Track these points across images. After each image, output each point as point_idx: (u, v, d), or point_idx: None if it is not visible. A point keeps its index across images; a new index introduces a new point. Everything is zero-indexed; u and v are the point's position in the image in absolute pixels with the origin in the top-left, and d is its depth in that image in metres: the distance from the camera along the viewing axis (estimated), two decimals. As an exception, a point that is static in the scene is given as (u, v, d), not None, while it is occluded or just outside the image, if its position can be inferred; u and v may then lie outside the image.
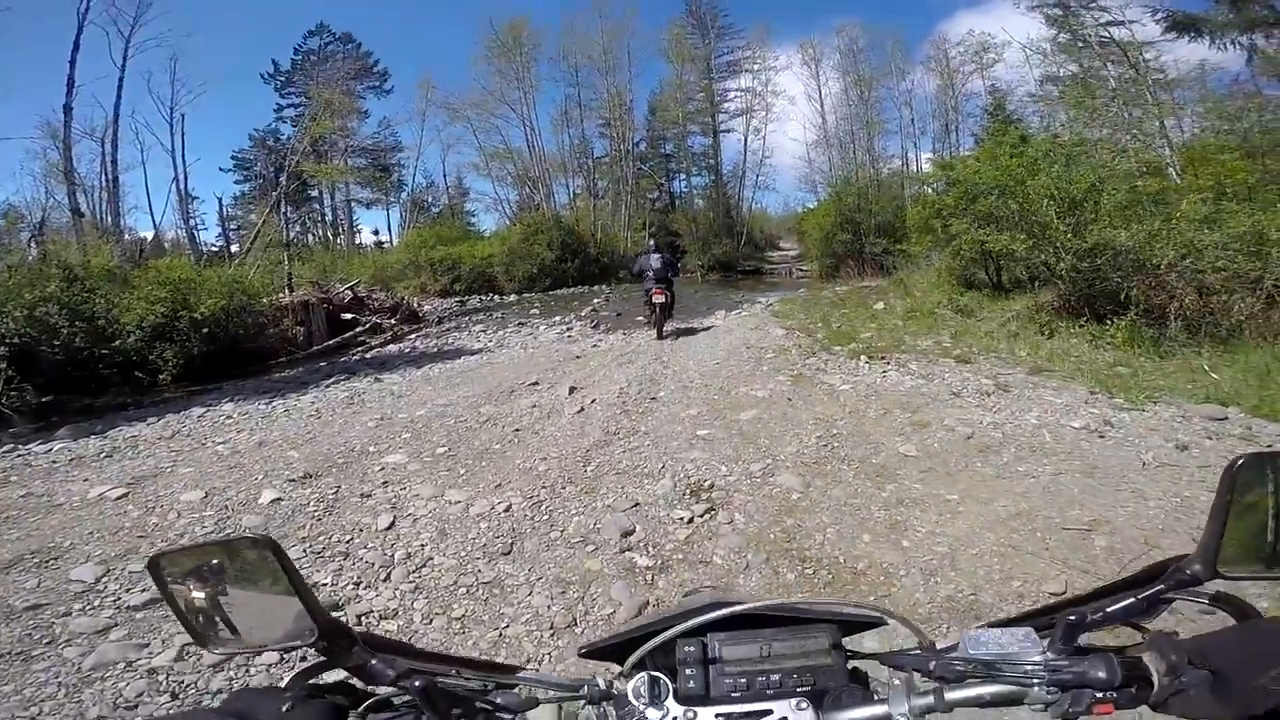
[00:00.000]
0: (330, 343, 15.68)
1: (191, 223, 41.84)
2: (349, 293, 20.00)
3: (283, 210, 21.90)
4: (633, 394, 6.58)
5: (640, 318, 13.58)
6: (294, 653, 2.37)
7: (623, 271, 27.51)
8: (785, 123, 36.87)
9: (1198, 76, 28.74)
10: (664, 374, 7.36)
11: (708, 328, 11.81)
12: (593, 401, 6.49)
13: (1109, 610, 0.67)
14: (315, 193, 40.58)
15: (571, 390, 6.97)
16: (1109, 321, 8.15)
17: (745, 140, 32.86)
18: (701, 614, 0.70)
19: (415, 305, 24.59)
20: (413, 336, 16.86)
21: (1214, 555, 0.65)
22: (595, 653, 0.84)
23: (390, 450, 5.53)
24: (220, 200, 28.85)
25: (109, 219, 26.57)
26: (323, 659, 0.67)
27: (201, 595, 0.68)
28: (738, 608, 0.71)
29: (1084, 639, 0.66)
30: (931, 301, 12.12)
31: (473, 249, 28.09)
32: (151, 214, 33.29)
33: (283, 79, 41.49)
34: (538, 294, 25.31)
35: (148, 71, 31.65)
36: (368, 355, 13.97)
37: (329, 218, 42.30)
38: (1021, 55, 30.96)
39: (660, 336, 11.29)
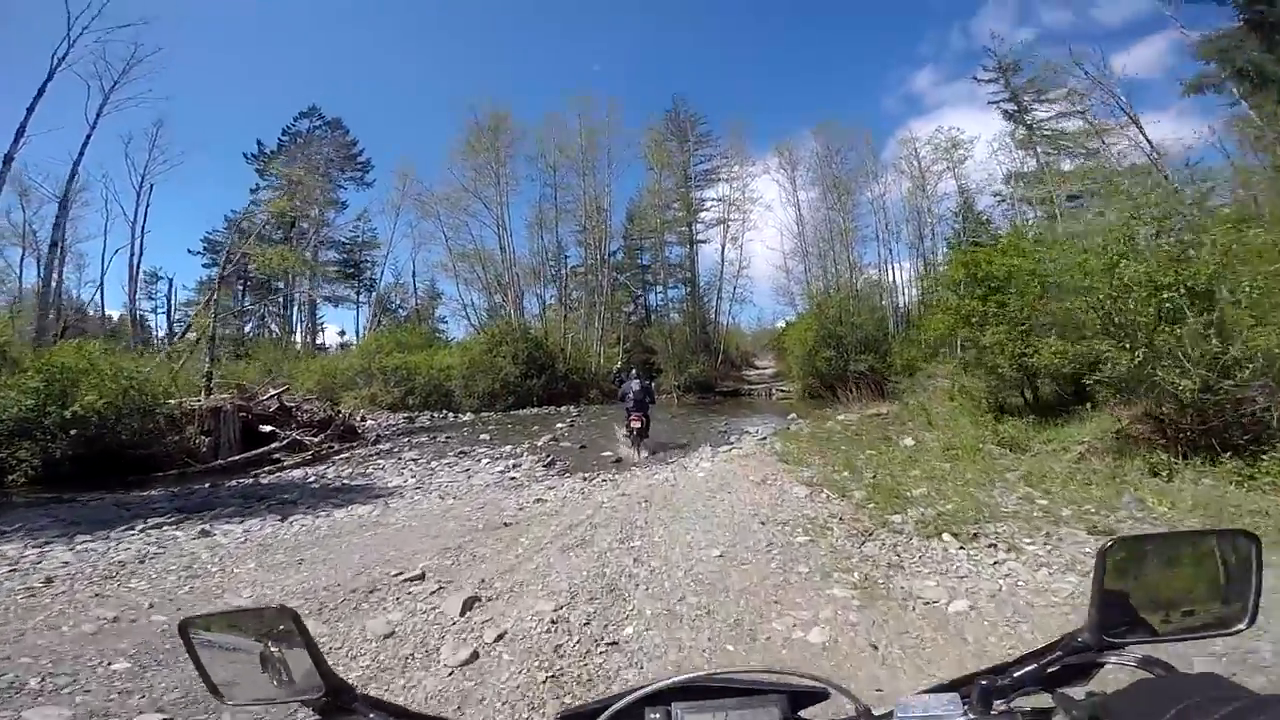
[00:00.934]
0: (238, 458, 13.13)
1: (150, 304, 39.35)
2: (275, 401, 16.99)
3: (214, 298, 19.08)
4: (576, 626, 3.51)
5: (607, 452, 12.09)
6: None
7: (594, 391, 24.92)
8: (762, 230, 36.73)
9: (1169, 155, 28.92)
10: (635, 575, 4.29)
11: (695, 474, 8.88)
12: (499, 638, 3.43)
13: (1015, 675, 0.80)
14: (280, 284, 38.26)
15: (470, 604, 3.91)
16: (1244, 454, 6.03)
17: (723, 250, 31.66)
18: (664, 682, 0.77)
19: (359, 419, 21.52)
20: (338, 459, 13.74)
21: (1098, 625, 0.78)
22: (572, 717, 0.85)
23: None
24: (171, 282, 26.42)
25: (51, 286, 23.79)
26: (328, 714, 0.78)
27: (223, 654, 0.82)
28: (694, 674, 0.80)
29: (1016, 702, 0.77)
30: (970, 435, 9.46)
31: (431, 358, 25.28)
32: (102, 290, 30.60)
33: (265, 159, 40.02)
34: (497, 413, 22.38)
35: (127, 134, 29.48)
36: (265, 480, 11.19)
37: (294, 314, 39.88)
38: (985, 152, 30.96)
39: (638, 454, 11.47)
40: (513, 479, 9.58)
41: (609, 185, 29.75)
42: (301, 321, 40.09)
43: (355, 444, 16.29)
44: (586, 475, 9.50)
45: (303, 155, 40.69)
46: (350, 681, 0.80)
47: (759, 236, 52.82)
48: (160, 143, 27.33)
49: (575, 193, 29.57)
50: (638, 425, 11.64)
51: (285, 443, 14.70)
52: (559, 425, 16.97)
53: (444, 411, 22.70)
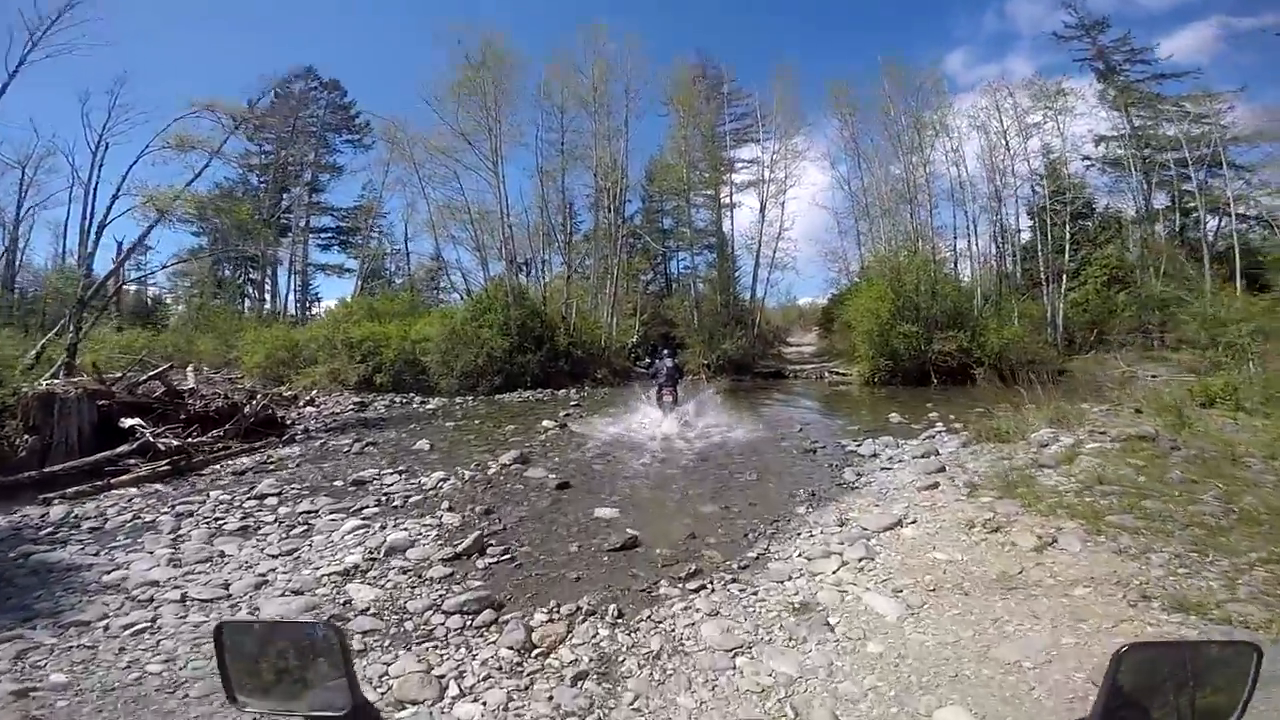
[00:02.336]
0: (73, 464, 8.54)
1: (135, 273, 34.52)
2: (158, 383, 11.83)
3: (86, 253, 13.69)
4: None
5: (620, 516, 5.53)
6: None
7: (602, 370, 19.11)
8: (807, 187, 30.09)
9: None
10: None
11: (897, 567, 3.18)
12: None
13: None
14: (273, 253, 33.14)
15: None
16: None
17: (762, 208, 25.06)
18: None
19: (303, 403, 16.10)
20: (204, 471, 8.76)
21: None
22: None
23: None
24: (120, 245, 20.97)
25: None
26: None
27: (252, 659, 0.80)
28: None
29: None
30: None
31: (406, 328, 19.64)
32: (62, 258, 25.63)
33: (256, 123, 34.57)
34: (478, 398, 16.74)
35: (85, 91, 24.71)
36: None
37: (283, 284, 34.71)
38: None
39: (673, 422, 11.02)
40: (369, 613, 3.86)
41: (625, 130, 23.49)
42: (295, 292, 35.04)
43: (262, 443, 11.00)
44: (593, 608, 3.79)
45: (296, 117, 35.42)
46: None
47: (803, 194, 46.01)
48: (122, 102, 22.54)
49: (586, 138, 23.39)
50: (670, 399, 11.80)
51: (138, 445, 9.41)
52: (546, 424, 11.20)
53: (409, 395, 17.10)
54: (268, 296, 34.52)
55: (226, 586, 4.41)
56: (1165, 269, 21.97)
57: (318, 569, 4.68)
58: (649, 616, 3.68)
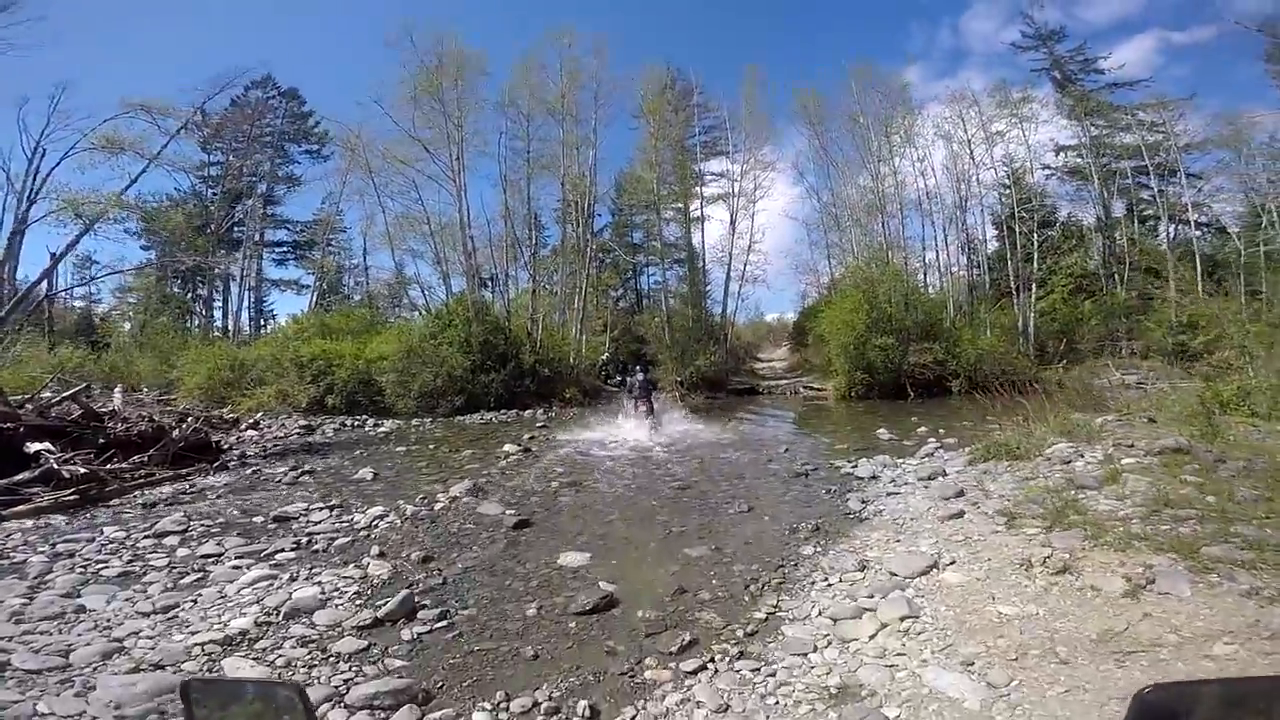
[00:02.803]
0: None
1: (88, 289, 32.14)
2: (72, 404, 10.39)
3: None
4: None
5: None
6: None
7: (571, 390, 17.98)
8: (777, 198, 29.55)
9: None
10: None
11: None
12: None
13: None
14: (224, 269, 31.21)
15: None
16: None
17: (733, 219, 24.28)
18: None
19: (245, 426, 14.64)
20: (113, 502, 7.42)
21: None
22: None
23: None
24: (53, 256, 18.77)
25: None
26: None
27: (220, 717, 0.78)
28: None
29: None
30: None
31: (361, 347, 18.25)
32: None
33: (210, 132, 32.62)
34: (440, 419, 15.48)
35: (22, 97, 22.65)
36: None
37: (233, 300, 32.64)
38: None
39: (651, 432, 11.58)
40: None
41: (594, 138, 22.61)
42: (248, 308, 33.01)
43: (191, 470, 9.71)
44: (555, 704, 2.70)
45: (252, 125, 33.70)
46: None
47: (774, 206, 45.57)
48: (63, 107, 20.62)
49: (553, 147, 22.41)
50: (645, 408, 12.44)
51: (40, 472, 8.15)
52: (507, 448, 10.06)
53: (362, 418, 15.74)
54: (218, 313, 32.44)
55: (67, 653, 3.32)
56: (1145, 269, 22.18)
57: (194, 633, 3.56)
58: (633, 717, 2.65)
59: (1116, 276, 24.47)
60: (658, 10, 65.51)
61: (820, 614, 3.48)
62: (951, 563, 3.89)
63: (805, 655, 3.07)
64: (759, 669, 2.98)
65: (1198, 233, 24.81)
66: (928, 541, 4.35)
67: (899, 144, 22.47)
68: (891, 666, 2.87)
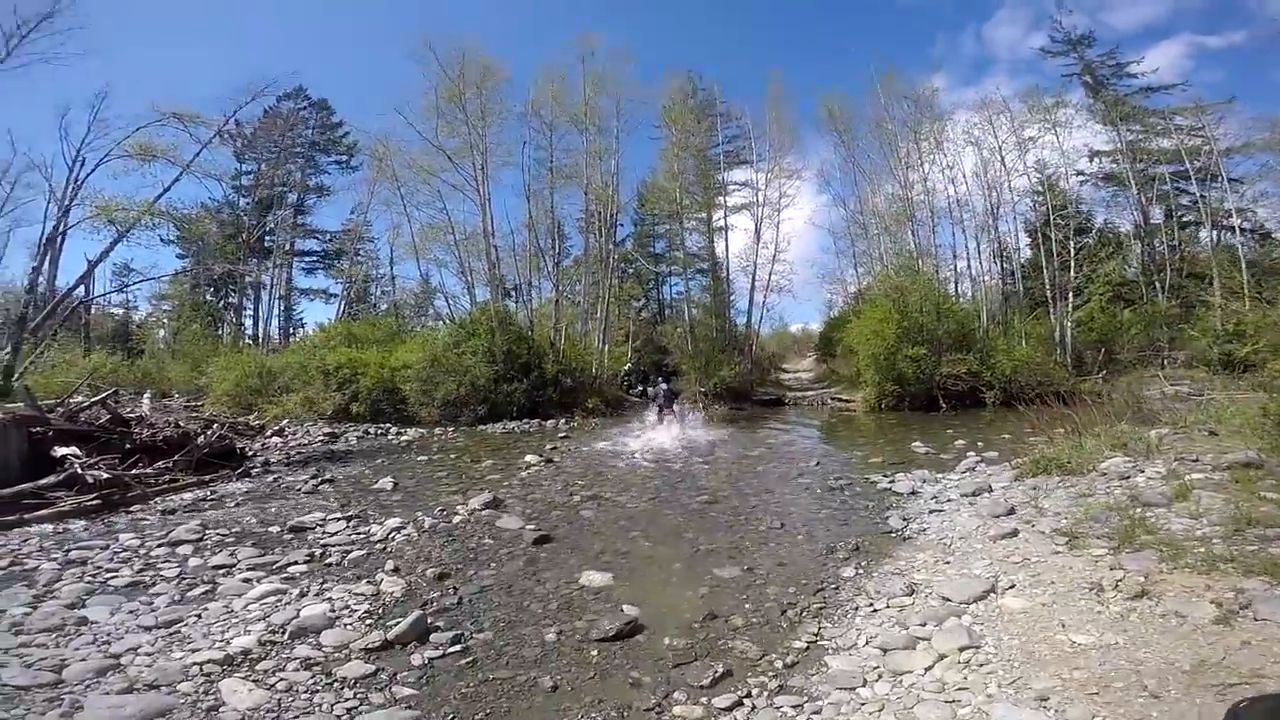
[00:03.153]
0: None
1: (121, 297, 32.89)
2: (99, 410, 10.41)
3: (32, 269, 12.27)
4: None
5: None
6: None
7: (594, 400, 17.76)
8: (802, 206, 29.14)
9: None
10: None
11: None
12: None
13: None
14: (255, 278, 31.83)
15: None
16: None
17: (758, 228, 23.99)
18: None
19: (270, 433, 14.69)
20: (136, 508, 7.48)
21: None
22: None
23: None
24: (89, 263, 19.00)
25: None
26: None
27: None
28: None
29: None
30: None
31: (386, 356, 18.28)
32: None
33: (244, 142, 33.36)
34: (462, 428, 15.37)
35: (65, 105, 23.30)
36: None
37: (264, 308, 33.18)
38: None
39: (671, 430, 12.72)
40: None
41: (616, 147, 22.53)
42: (278, 317, 33.51)
43: (214, 476, 9.71)
44: None
45: (283, 136, 34.41)
46: None
47: (799, 215, 45.08)
48: (102, 116, 21.10)
49: (576, 157, 22.37)
50: (670, 416, 13.54)
51: (64, 476, 8.19)
52: (529, 459, 9.83)
53: (391, 424, 15.71)
54: (249, 321, 32.98)
55: (60, 669, 3.15)
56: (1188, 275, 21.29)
57: (195, 650, 3.36)
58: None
59: (1157, 284, 23.55)
60: (678, 20, 65.72)
61: (868, 643, 3.15)
62: (1011, 586, 3.53)
63: (854, 690, 2.75)
64: (802, 705, 2.67)
65: (1241, 239, 23.87)
66: (981, 563, 3.98)
67: (928, 150, 21.98)
68: (953, 702, 2.54)
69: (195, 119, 14.16)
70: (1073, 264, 21.36)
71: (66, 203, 12.44)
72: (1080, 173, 26.85)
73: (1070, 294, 20.87)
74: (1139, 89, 27.63)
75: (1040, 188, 24.48)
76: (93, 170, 13.64)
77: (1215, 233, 24.89)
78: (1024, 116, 22.71)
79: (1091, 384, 15.04)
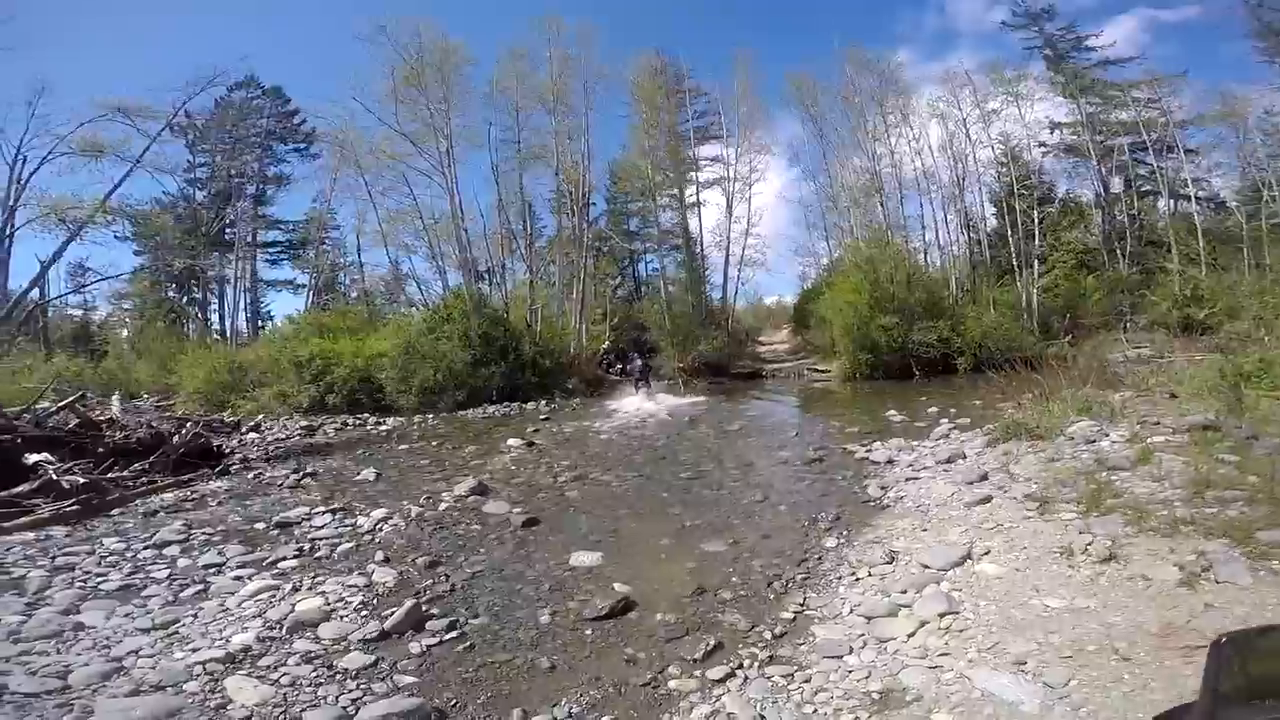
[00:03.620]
0: None
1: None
2: (68, 414, 10.08)
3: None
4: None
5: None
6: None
7: (573, 380, 17.77)
8: (772, 181, 28.98)
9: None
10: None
11: None
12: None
13: None
14: (218, 271, 30.91)
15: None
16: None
17: (729, 202, 24.10)
18: None
19: (245, 430, 14.41)
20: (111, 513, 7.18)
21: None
22: None
23: None
24: (41, 264, 18.13)
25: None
26: None
27: None
28: None
29: None
30: None
31: (359, 345, 18.01)
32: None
33: (196, 134, 32.03)
34: (441, 415, 15.27)
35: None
36: None
37: (228, 301, 32.24)
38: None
39: (649, 397, 14.61)
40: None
41: (586, 126, 22.23)
42: (245, 310, 32.62)
43: (193, 476, 9.50)
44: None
45: (237, 126, 33.09)
46: None
47: (770, 189, 45.06)
48: (41, 112, 19.93)
49: (545, 137, 22.03)
50: (646, 386, 15.20)
51: (39, 483, 7.99)
52: (511, 443, 9.84)
53: (364, 416, 15.54)
54: (215, 316, 32.10)
55: (65, 675, 3.13)
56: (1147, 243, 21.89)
57: (195, 650, 3.37)
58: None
59: (1118, 252, 24.20)
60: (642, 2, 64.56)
61: (852, 612, 3.28)
62: (987, 552, 3.69)
63: (840, 658, 2.88)
64: (792, 674, 2.78)
65: (1197, 208, 24.60)
66: (957, 530, 4.15)
67: (894, 123, 22.16)
68: (936, 668, 2.67)
69: (142, 112, 13.56)
70: (1037, 233, 21.85)
71: (12, 203, 11.86)
72: (1042, 144, 27.36)
73: (1036, 262, 21.39)
74: (1097, 62, 28.02)
75: (1004, 159, 24.88)
76: (36, 169, 13.04)
77: (1172, 202, 25.61)
78: (987, 89, 23.01)
79: (1058, 348, 15.51)
